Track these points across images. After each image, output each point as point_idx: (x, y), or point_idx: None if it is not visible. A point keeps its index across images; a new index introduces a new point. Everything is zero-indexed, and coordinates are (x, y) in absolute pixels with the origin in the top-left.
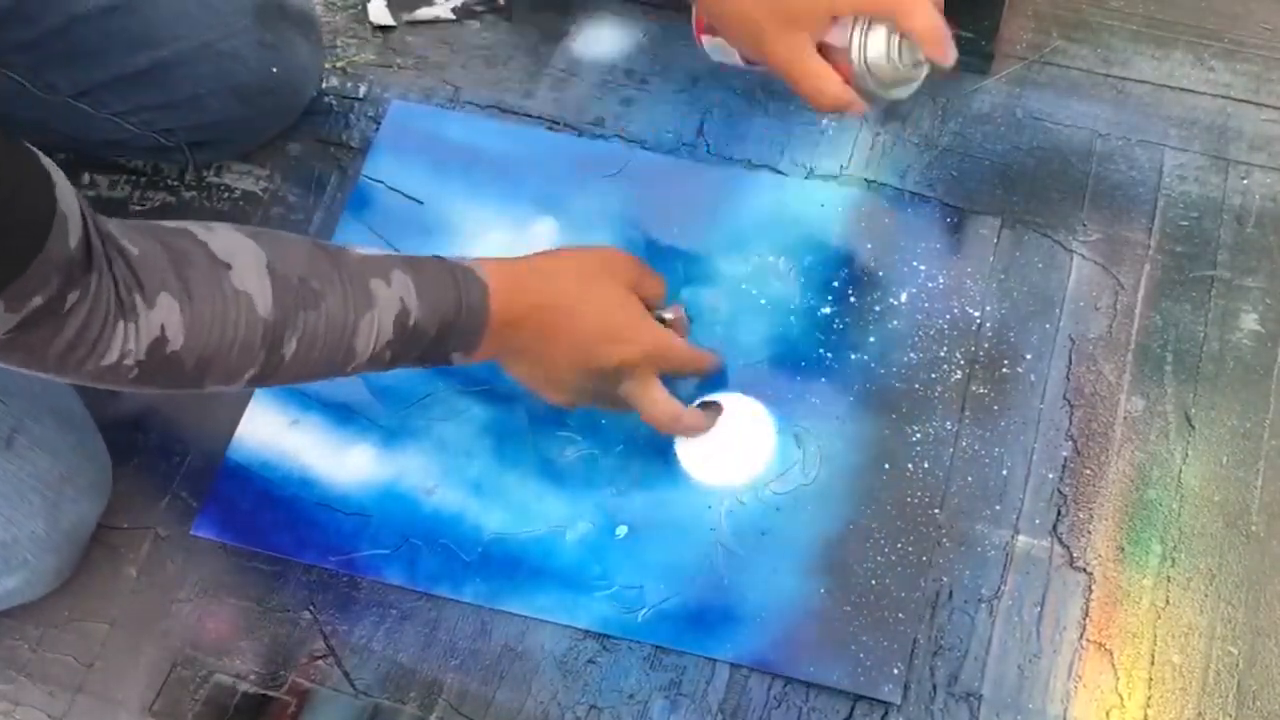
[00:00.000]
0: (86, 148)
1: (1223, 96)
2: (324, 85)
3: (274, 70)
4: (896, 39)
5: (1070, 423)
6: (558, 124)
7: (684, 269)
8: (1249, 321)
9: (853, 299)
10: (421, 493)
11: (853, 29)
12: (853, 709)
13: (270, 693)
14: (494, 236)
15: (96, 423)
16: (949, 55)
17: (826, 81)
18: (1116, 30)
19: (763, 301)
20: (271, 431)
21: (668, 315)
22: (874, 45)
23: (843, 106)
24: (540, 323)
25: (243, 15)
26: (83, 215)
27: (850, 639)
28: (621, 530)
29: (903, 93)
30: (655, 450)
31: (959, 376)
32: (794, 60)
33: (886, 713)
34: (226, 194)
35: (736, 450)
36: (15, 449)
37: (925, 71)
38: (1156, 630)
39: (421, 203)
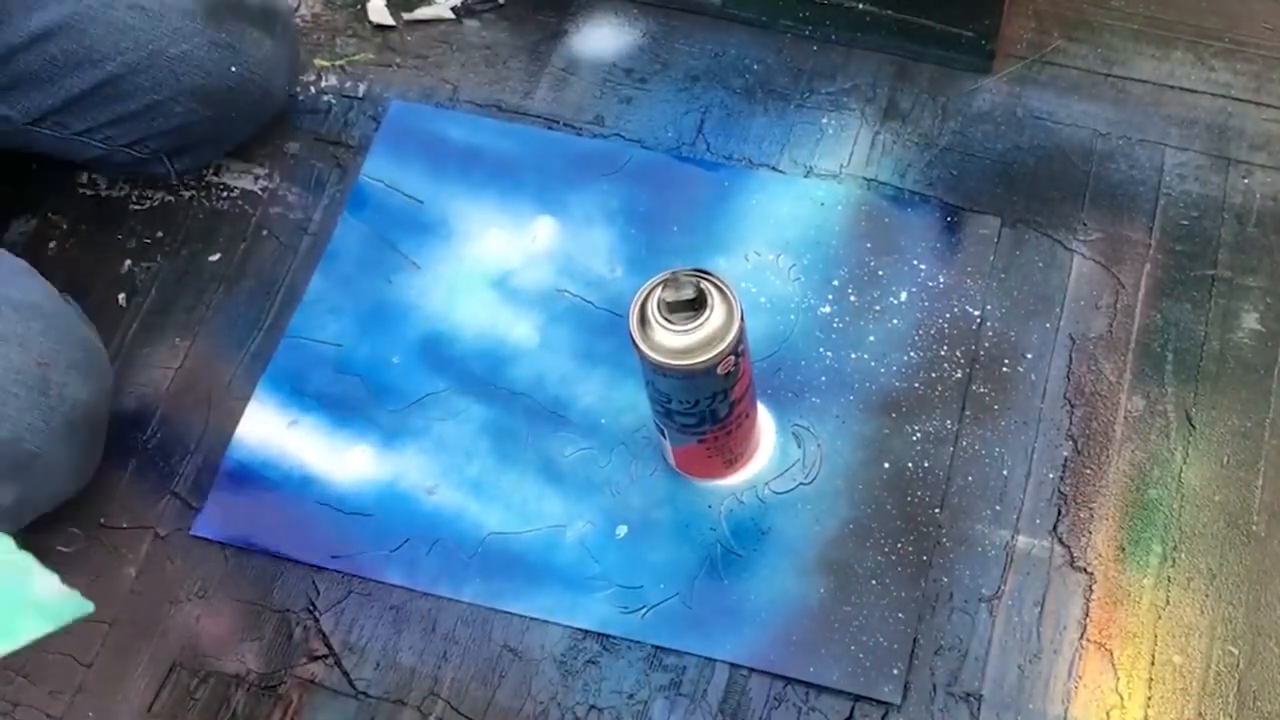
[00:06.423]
0: (69, 162)
1: (1223, 96)
2: (324, 84)
3: (232, 69)
4: None
5: (1070, 422)
6: (557, 123)
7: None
8: (1249, 321)
9: (853, 298)
10: (421, 492)
11: None
12: (853, 709)
13: (270, 693)
14: (494, 235)
15: None
16: None
17: None
18: (1117, 30)
19: (763, 300)
20: (271, 431)
21: None
22: None
23: None
24: None
25: (189, 18)
26: None
27: (850, 639)
28: (621, 530)
29: None
30: (655, 450)
31: (959, 376)
32: None
33: (886, 713)
34: (226, 193)
35: None
36: None
37: None
38: (1157, 630)
39: (421, 202)
